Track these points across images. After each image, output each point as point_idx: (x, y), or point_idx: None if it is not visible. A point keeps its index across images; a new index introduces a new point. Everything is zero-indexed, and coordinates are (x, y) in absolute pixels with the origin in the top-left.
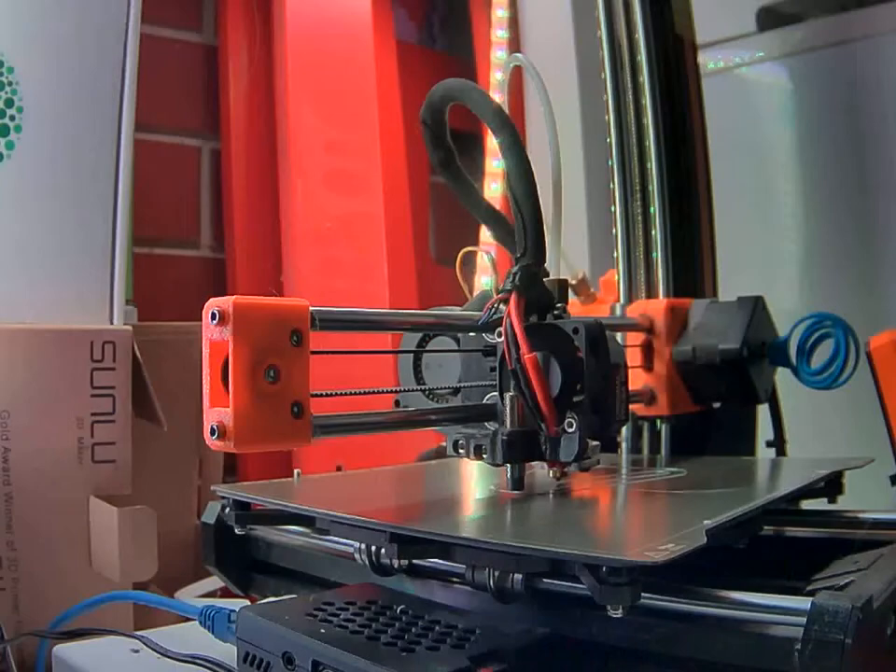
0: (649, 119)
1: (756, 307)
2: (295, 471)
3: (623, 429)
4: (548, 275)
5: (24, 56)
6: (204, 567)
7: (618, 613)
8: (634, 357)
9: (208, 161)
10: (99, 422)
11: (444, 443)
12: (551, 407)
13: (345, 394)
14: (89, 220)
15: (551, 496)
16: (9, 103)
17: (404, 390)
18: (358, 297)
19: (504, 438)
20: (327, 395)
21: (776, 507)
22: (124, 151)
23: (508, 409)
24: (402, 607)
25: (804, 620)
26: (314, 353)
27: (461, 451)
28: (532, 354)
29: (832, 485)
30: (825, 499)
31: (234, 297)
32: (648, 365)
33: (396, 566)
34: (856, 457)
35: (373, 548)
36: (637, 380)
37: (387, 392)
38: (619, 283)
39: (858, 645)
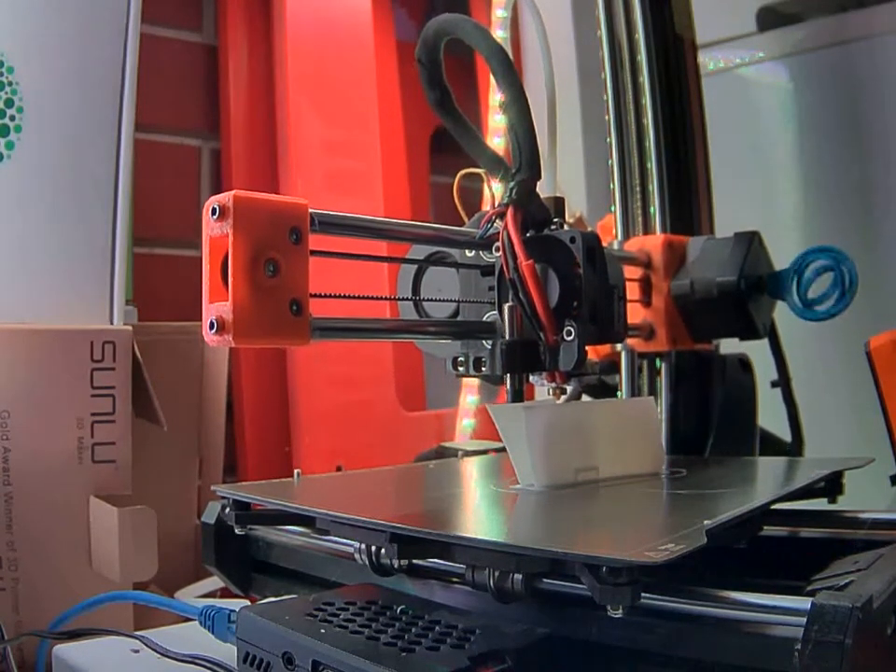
0: (649, 119)
1: (753, 242)
2: (295, 471)
3: (623, 369)
4: None
5: (24, 56)
6: (204, 567)
7: (618, 613)
8: (632, 292)
9: (208, 161)
10: (99, 422)
11: (444, 444)
12: (549, 315)
13: (344, 297)
14: (89, 220)
15: (551, 495)
16: (9, 103)
17: (403, 299)
18: None
19: (503, 348)
20: (326, 296)
21: (776, 507)
22: (124, 151)
23: (507, 319)
24: (402, 607)
25: (804, 620)
26: (313, 254)
27: (461, 368)
28: (530, 261)
29: (832, 485)
30: (825, 499)
31: (234, 191)
32: (646, 300)
33: (396, 566)
34: (856, 457)
35: (373, 548)
36: (636, 315)
37: (387, 299)
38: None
39: (858, 645)
